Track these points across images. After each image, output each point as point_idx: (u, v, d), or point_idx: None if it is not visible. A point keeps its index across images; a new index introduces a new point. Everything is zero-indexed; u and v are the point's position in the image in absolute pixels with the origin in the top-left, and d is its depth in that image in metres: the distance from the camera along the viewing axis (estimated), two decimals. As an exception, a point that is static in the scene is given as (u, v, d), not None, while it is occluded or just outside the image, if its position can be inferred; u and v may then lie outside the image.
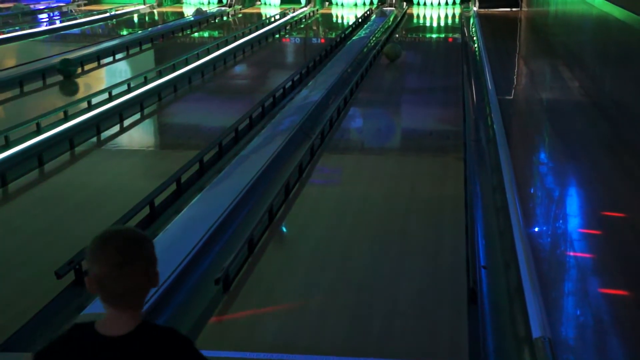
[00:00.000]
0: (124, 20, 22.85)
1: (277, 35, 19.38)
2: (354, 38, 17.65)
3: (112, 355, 1.87)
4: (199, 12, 23.10)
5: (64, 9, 25.14)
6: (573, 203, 7.15)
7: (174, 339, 1.94)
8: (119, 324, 1.90)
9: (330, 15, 24.91)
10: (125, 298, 1.89)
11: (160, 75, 12.42)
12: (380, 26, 19.61)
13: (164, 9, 25.67)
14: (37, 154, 8.03)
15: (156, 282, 1.94)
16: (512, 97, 11.80)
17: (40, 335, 4.33)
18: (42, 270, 5.20)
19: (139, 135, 10.04)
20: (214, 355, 4.08)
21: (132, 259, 1.88)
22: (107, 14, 23.23)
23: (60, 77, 12.75)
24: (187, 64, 13.42)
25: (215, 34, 20.03)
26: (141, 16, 24.06)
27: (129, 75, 12.53)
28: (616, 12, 10.04)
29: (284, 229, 6.28)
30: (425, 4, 25.85)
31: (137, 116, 10.45)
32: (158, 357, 1.90)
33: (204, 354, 4.09)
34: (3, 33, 18.16)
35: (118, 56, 15.50)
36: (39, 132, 8.73)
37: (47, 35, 19.05)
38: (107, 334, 1.89)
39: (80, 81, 13.08)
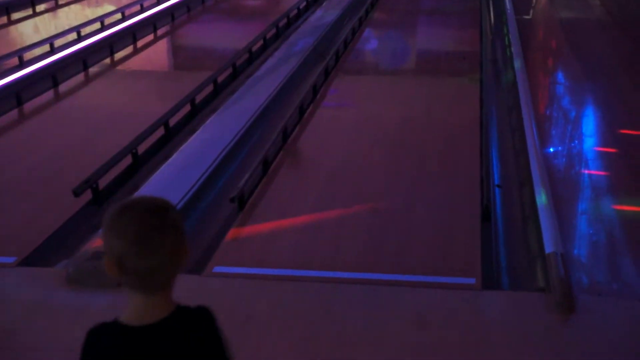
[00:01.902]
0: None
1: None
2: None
3: (146, 344, 1.63)
4: None
5: None
6: (589, 123, 7.12)
7: (209, 322, 1.73)
8: (149, 311, 1.64)
9: None
10: (150, 278, 1.63)
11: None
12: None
13: None
14: (51, 74, 8.02)
15: (184, 259, 1.66)
16: (530, 16, 11.59)
17: (60, 250, 4.40)
18: (58, 189, 5.25)
19: (152, 56, 9.97)
20: (231, 272, 4.16)
21: (156, 230, 1.61)
22: None
23: (70, 4, 12.63)
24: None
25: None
26: None
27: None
28: None
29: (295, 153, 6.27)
30: None
31: (151, 37, 10.36)
32: (195, 343, 1.68)
33: (222, 270, 4.21)
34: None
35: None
36: (52, 52, 8.73)
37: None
38: (136, 324, 1.63)
39: (91, 1, 12.95)
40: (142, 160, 5.88)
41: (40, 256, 4.36)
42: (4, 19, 11.11)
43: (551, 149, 6.13)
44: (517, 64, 7.94)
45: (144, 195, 1.77)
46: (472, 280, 4.00)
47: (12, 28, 10.96)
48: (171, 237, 1.63)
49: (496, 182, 5.46)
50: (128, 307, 1.65)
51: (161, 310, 1.65)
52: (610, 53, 9.23)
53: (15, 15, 11.33)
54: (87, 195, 5.09)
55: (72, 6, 12.43)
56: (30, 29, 10.93)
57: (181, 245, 1.65)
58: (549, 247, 4.00)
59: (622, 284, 4.26)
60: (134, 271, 1.61)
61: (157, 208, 1.65)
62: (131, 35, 9.94)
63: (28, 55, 8.60)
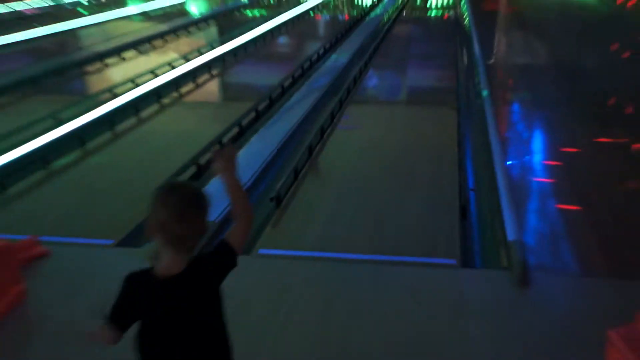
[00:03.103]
0: (196, 2, 22.45)
1: (312, 13, 19.00)
2: (371, 15, 17.26)
3: (171, 291, 1.70)
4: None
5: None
6: (538, 141, 7.06)
7: (218, 253, 1.78)
8: (174, 266, 1.70)
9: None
10: (184, 240, 1.68)
11: (223, 44, 12.34)
12: (392, 5, 19.12)
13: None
14: (134, 104, 8.09)
15: (206, 232, 1.73)
16: (494, 60, 11.54)
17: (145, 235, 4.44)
18: (141, 190, 5.26)
19: (208, 91, 10.03)
20: (271, 253, 4.18)
21: (193, 207, 1.68)
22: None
23: (147, 53, 12.73)
24: (242, 35, 13.29)
25: (264, 12, 19.68)
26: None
27: (200, 45, 12.45)
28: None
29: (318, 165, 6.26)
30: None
31: (207, 76, 10.42)
32: (204, 283, 1.75)
33: (265, 252, 4.19)
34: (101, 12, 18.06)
35: (191, 29, 15.36)
36: (135, 87, 8.82)
37: (136, 13, 18.90)
38: (163, 275, 1.70)
39: (163, 50, 13.01)
40: (204, 169, 5.93)
41: (131, 239, 4.41)
42: (99, 64, 11.23)
43: (510, 162, 6.09)
44: (485, 96, 7.91)
45: (185, 181, 1.79)
46: (453, 261, 4.00)
47: (106, 70, 11.06)
48: (202, 215, 1.69)
49: (470, 187, 5.45)
50: (161, 261, 1.70)
51: (181, 264, 1.70)
52: (553, 88, 9.17)
53: (108, 61, 11.44)
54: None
55: (150, 54, 12.53)
56: (119, 71, 11.03)
57: (205, 223, 1.71)
58: (510, 236, 3.98)
59: (562, 264, 4.23)
60: (171, 233, 1.66)
61: (196, 192, 1.71)
62: (192, 75, 10.01)
63: (117, 91, 8.69)
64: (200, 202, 1.69)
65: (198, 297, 1.74)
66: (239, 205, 1.85)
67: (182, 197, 1.68)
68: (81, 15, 17.17)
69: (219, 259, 1.78)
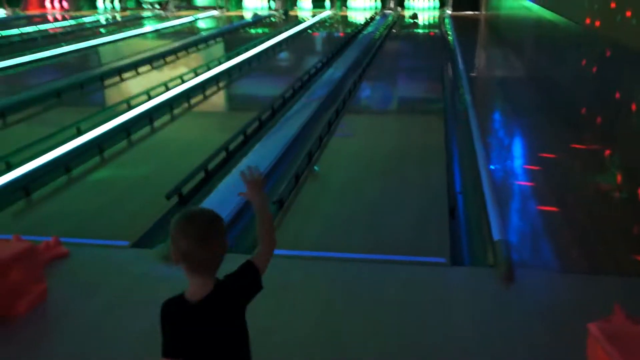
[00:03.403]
0: (204, 21, 22.45)
1: (310, 31, 18.94)
2: (364, 32, 17.21)
3: (201, 315, 1.68)
4: (255, 15, 22.62)
5: (162, 15, 24.79)
6: (518, 147, 7.02)
7: (242, 277, 1.75)
8: (202, 288, 1.67)
9: (347, 16, 24.22)
10: (207, 264, 1.66)
11: (229, 59, 12.27)
12: (383, 24, 19.08)
13: (230, 13, 25.17)
14: (148, 115, 8.01)
15: (225, 253, 1.70)
16: (476, 73, 11.50)
17: (157, 237, 4.35)
18: (154, 195, 5.20)
19: (216, 102, 9.95)
20: (274, 253, 4.08)
21: (211, 234, 1.65)
22: (193, 18, 22.85)
23: (161, 67, 12.65)
24: (247, 51, 13.22)
25: (267, 30, 19.63)
26: (215, 19, 23.63)
27: (208, 60, 12.38)
28: (548, 15, 9.78)
29: (316, 168, 6.18)
30: (414, 8, 25.00)
31: (215, 88, 10.34)
32: (229, 305, 1.71)
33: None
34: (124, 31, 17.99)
35: (200, 46, 15.29)
36: (149, 99, 8.72)
37: (152, 33, 18.83)
38: (194, 300, 1.67)
39: (175, 65, 12.93)
40: (212, 174, 5.85)
41: (145, 241, 4.32)
42: (117, 78, 11.14)
43: (493, 166, 6.04)
44: (469, 106, 7.86)
45: (201, 208, 1.76)
46: (443, 260, 3.93)
47: (122, 84, 10.97)
48: (220, 239, 1.67)
49: (457, 190, 5.38)
50: (190, 286, 1.68)
51: (209, 287, 1.68)
52: (530, 98, 9.13)
53: (125, 75, 11.35)
54: (175, 199, 5.06)
55: (162, 68, 12.45)
56: (134, 84, 10.93)
57: (225, 244, 1.69)
58: (496, 236, 3.92)
59: (542, 261, 4.17)
60: (195, 260, 1.63)
61: (212, 219, 1.68)
62: (201, 87, 9.93)
63: (133, 102, 8.60)
64: (218, 227, 1.67)
65: (227, 317, 1.71)
66: (265, 230, 1.82)
67: (200, 225, 1.64)
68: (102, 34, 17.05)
69: (245, 281, 1.75)
